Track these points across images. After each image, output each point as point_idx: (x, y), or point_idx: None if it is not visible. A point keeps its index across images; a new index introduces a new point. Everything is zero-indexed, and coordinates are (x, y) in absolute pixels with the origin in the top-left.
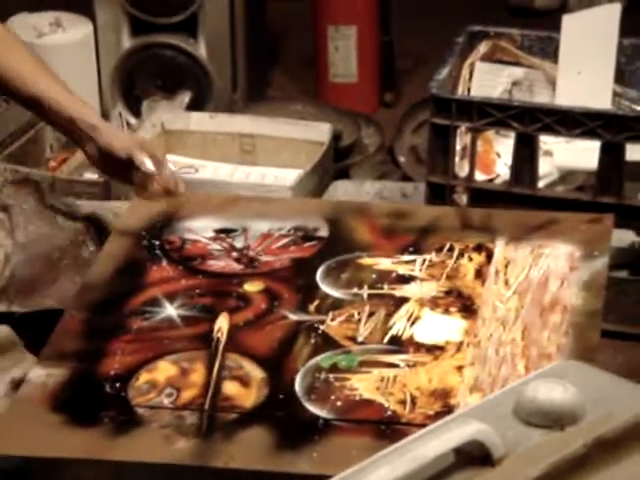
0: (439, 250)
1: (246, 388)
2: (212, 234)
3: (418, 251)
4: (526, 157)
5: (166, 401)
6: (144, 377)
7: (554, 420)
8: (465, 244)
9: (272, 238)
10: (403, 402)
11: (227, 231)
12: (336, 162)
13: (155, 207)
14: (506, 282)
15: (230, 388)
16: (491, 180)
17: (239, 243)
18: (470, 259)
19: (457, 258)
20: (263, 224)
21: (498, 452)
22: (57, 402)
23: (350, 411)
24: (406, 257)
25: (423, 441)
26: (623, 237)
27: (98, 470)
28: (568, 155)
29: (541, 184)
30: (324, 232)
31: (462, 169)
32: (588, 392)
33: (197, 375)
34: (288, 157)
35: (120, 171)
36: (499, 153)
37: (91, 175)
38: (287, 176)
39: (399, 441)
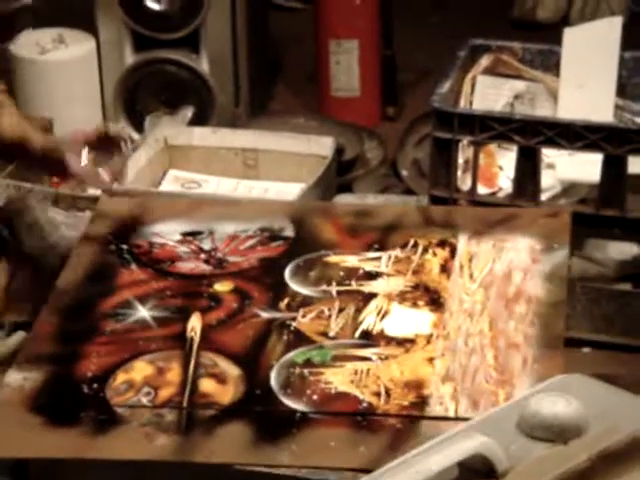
0: (403, 246)
1: (223, 385)
2: (179, 237)
3: (383, 248)
4: (528, 170)
5: (144, 400)
6: (121, 377)
7: (558, 434)
8: (429, 240)
9: (239, 239)
10: (377, 394)
11: (194, 234)
12: (339, 176)
13: (120, 212)
14: (471, 275)
15: (207, 385)
16: (494, 193)
17: (206, 245)
18: (434, 254)
19: (422, 254)
20: (229, 226)
21: (502, 466)
22: (36, 404)
23: (326, 404)
24: (371, 254)
25: (427, 455)
26: (626, 250)
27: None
28: (570, 168)
29: (544, 197)
30: (290, 232)
31: (464, 182)
32: (591, 405)
33: (173, 374)
34: (291, 171)
35: None
36: (501, 166)
37: (94, 191)
38: (290, 190)
39: (376, 432)
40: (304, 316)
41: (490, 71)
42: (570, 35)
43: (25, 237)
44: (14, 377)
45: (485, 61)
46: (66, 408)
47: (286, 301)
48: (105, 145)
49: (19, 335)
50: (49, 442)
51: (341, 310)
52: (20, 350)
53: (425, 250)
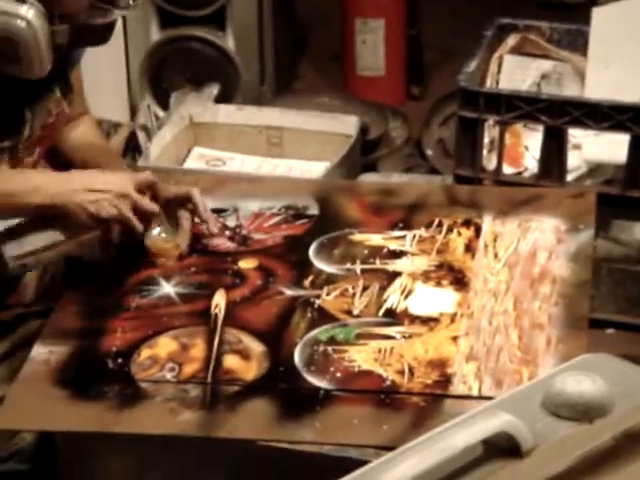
0: (428, 226)
1: (246, 361)
2: None
3: (407, 227)
4: (554, 150)
5: (169, 375)
6: (145, 353)
7: (583, 413)
8: (453, 220)
9: (263, 217)
10: (401, 372)
11: (218, 211)
12: (363, 155)
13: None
14: (495, 255)
15: (231, 362)
16: (519, 173)
17: (231, 222)
18: (459, 234)
19: (446, 233)
20: (253, 203)
21: (527, 444)
22: (62, 378)
23: (350, 382)
24: (396, 233)
25: (452, 432)
26: None
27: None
28: (597, 148)
29: (569, 178)
30: (314, 210)
31: (490, 162)
32: (617, 385)
33: (197, 350)
34: (315, 150)
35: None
36: (527, 146)
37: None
38: (314, 169)
39: (399, 410)
40: (328, 294)
41: (517, 51)
42: (598, 15)
43: None
44: (40, 351)
45: (512, 40)
46: (91, 382)
47: (310, 279)
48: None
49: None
50: (75, 415)
51: (365, 288)
52: (46, 325)
53: (450, 229)
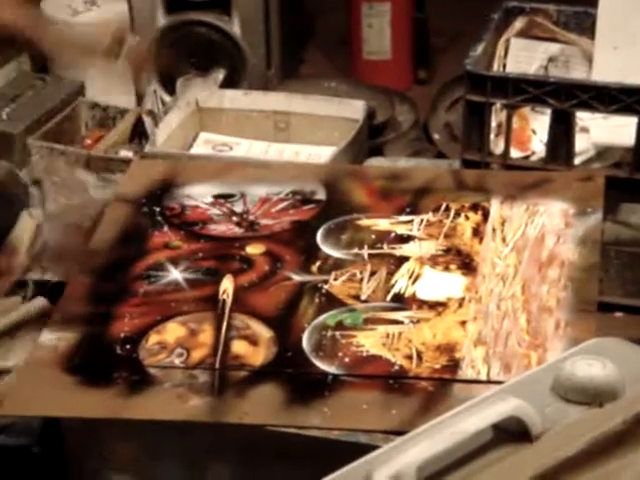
0: (436, 210)
1: (255, 347)
2: (211, 200)
3: (415, 211)
4: (562, 134)
5: (177, 361)
6: (154, 338)
7: (593, 397)
8: (461, 204)
9: (271, 202)
10: (409, 357)
11: (226, 196)
12: (370, 139)
13: (152, 175)
14: (503, 239)
15: (239, 347)
16: (527, 157)
17: (238, 208)
18: (467, 218)
19: (454, 217)
20: (261, 188)
21: (536, 428)
22: (70, 364)
23: (358, 367)
24: (403, 217)
25: (462, 417)
26: None
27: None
28: (605, 131)
29: (577, 161)
30: (321, 195)
31: (497, 146)
32: (627, 368)
33: (206, 335)
34: (322, 134)
35: None
36: (535, 130)
37: (126, 152)
38: (321, 153)
39: (407, 394)
40: (336, 279)
41: (524, 34)
42: None
43: (51, 197)
44: (48, 337)
45: (519, 23)
46: (99, 368)
47: (318, 264)
48: None
49: (40, 301)
50: (82, 402)
51: (373, 273)
52: (54, 310)
53: (457, 214)
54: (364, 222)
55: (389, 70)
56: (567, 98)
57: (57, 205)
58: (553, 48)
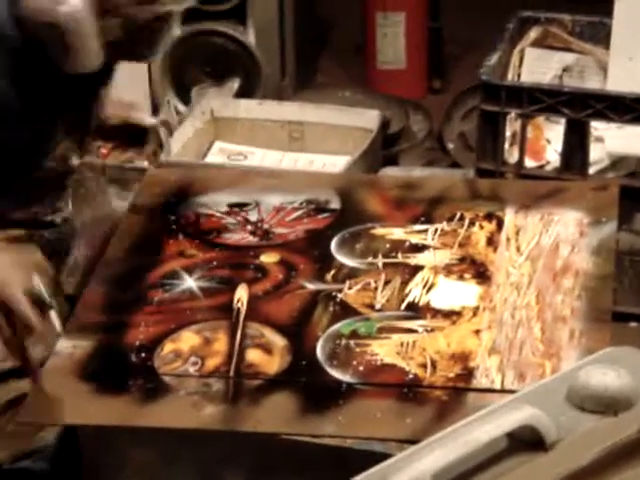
0: (450, 219)
1: (269, 355)
2: (226, 208)
3: (429, 221)
4: (577, 143)
5: (191, 369)
6: (168, 347)
7: (608, 406)
8: (475, 213)
9: (285, 211)
10: (424, 366)
11: (241, 205)
12: (384, 149)
13: (167, 184)
14: (518, 248)
15: (253, 355)
16: (541, 167)
17: (253, 216)
18: (481, 227)
19: (468, 227)
20: (275, 198)
21: (551, 437)
22: (85, 372)
23: (372, 375)
24: (418, 227)
25: (476, 425)
26: None
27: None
28: (619, 141)
29: (592, 171)
30: (336, 204)
31: (512, 155)
32: None
33: (220, 344)
34: (336, 144)
35: None
36: (549, 139)
37: (141, 163)
38: (335, 163)
39: (421, 403)
40: (350, 288)
41: (539, 43)
42: (621, 6)
43: (78, 208)
44: (64, 345)
45: (534, 33)
46: (115, 376)
47: (332, 273)
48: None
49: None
50: (98, 409)
51: (387, 282)
52: (70, 319)
53: (472, 223)
54: (378, 231)
55: (403, 79)
56: (582, 108)
57: (82, 217)
58: (568, 58)
